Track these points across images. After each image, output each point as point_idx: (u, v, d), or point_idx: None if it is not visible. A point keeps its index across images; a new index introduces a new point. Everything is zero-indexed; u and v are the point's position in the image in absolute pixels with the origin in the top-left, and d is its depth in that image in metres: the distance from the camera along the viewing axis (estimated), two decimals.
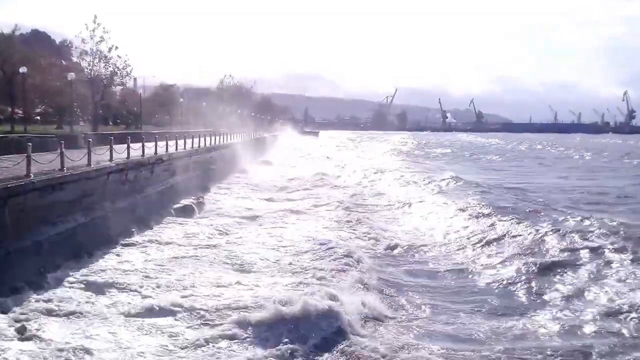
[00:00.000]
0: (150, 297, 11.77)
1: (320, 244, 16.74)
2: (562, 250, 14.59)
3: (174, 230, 19.35)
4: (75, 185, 15.06)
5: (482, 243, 16.80)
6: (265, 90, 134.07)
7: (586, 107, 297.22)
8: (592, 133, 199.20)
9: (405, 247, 17.28)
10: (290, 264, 14.92)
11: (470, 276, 14.00)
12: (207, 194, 28.11)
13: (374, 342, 9.49)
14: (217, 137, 40.61)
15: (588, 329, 10.01)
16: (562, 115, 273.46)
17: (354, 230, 19.86)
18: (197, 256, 15.46)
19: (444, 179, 31.67)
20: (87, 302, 11.36)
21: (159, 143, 25.33)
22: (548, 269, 13.38)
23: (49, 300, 11.28)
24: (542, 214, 19.06)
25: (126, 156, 19.97)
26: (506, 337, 9.96)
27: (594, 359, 8.89)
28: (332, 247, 16.21)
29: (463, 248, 16.75)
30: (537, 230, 16.54)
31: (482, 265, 14.79)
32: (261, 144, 64.69)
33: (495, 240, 16.82)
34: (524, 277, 13.12)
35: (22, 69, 31.17)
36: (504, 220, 18.35)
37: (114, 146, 19.02)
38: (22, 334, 9.51)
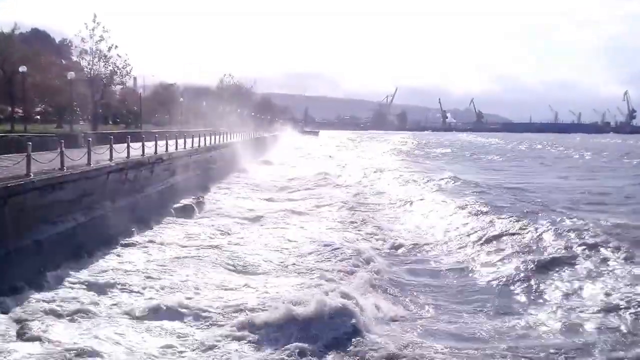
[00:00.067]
0: (155, 298, 11.71)
1: (325, 245, 16.69)
2: (559, 249, 14.71)
3: (175, 230, 19.32)
4: (75, 185, 15.04)
5: (481, 242, 16.87)
6: (265, 89, 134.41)
7: (586, 107, 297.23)
8: (592, 133, 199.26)
9: (408, 246, 17.31)
10: (294, 264, 14.87)
11: (471, 274, 14.14)
12: (207, 193, 28.10)
13: (386, 341, 9.46)
14: (217, 137, 40.59)
15: (588, 325, 10.11)
16: (562, 115, 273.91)
17: (358, 229, 19.79)
18: (199, 257, 15.36)
19: (442, 179, 31.71)
20: (88, 302, 11.32)
21: (158, 142, 25.31)
22: (546, 267, 13.53)
23: (49, 300, 11.23)
24: (541, 214, 19.12)
25: (126, 155, 19.94)
26: (509, 335, 10.04)
27: (596, 355, 8.96)
28: (338, 248, 16.18)
29: (464, 247, 16.80)
30: (535, 230, 16.66)
31: (482, 263, 14.89)
32: (261, 143, 64.68)
33: (494, 239, 16.86)
34: (523, 276, 13.23)
35: (22, 68, 31.16)
36: (503, 220, 18.39)
37: (114, 145, 18.99)
38: (23, 334, 9.47)
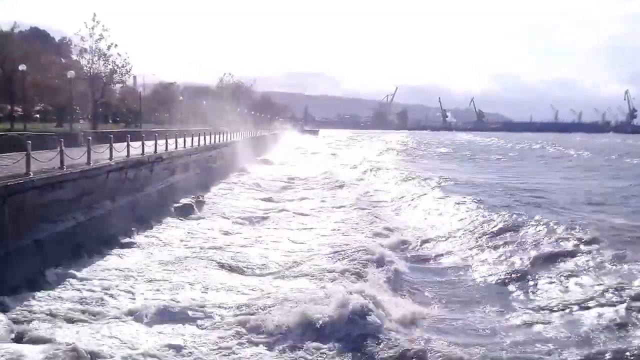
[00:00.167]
0: (158, 298, 11.61)
1: (332, 245, 16.73)
2: (556, 247, 14.88)
3: (175, 230, 19.32)
4: (75, 184, 15.02)
5: (481, 240, 16.94)
6: (265, 88, 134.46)
7: (587, 106, 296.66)
8: (593, 132, 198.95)
9: (413, 244, 17.46)
10: (300, 263, 14.76)
11: (473, 272, 14.32)
12: (207, 193, 28.09)
13: (403, 339, 9.44)
14: (217, 136, 40.56)
15: (587, 320, 10.31)
16: (563, 114, 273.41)
17: (364, 229, 19.71)
18: (201, 257, 15.27)
19: (441, 178, 31.70)
20: (89, 303, 11.28)
21: (158, 141, 25.30)
22: (544, 265, 13.76)
23: (49, 300, 11.22)
24: (540, 213, 19.12)
25: (126, 154, 19.93)
26: (513, 331, 10.22)
27: (593, 349, 9.12)
28: (346, 247, 16.19)
29: (464, 244, 16.90)
30: (533, 228, 16.83)
31: (483, 261, 15.05)
32: (261, 142, 64.66)
33: (493, 237, 16.94)
34: (523, 273, 13.46)
35: (22, 67, 31.14)
36: (503, 219, 18.47)
37: (113, 144, 18.98)
38: (22, 334, 9.44)
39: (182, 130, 34.54)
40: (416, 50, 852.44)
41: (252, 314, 10.61)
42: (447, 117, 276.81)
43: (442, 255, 16.27)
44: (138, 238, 17.41)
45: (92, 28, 39.43)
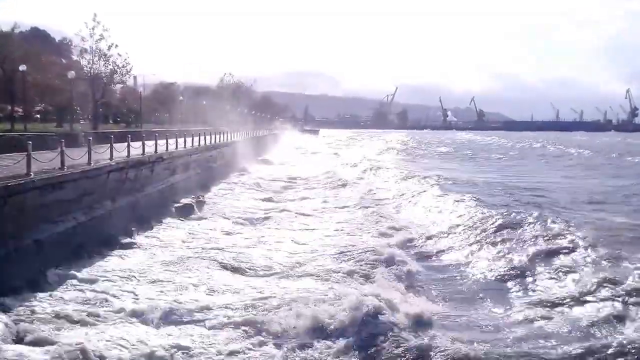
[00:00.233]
0: (163, 299, 11.56)
1: (336, 244, 16.75)
2: (554, 244, 15.03)
3: (175, 230, 19.32)
4: (76, 184, 15.02)
5: (481, 237, 17.01)
6: (265, 88, 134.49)
7: (588, 105, 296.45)
8: (594, 131, 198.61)
9: (416, 242, 17.55)
10: (300, 263, 14.73)
11: (473, 269, 14.45)
12: (207, 193, 28.10)
13: (419, 337, 9.47)
14: (217, 136, 40.56)
15: (586, 315, 10.52)
16: (564, 113, 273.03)
17: (366, 227, 19.71)
18: (202, 257, 15.21)
19: (441, 177, 31.73)
20: (90, 303, 11.26)
21: (159, 141, 25.31)
22: (542, 261, 13.96)
23: (49, 301, 11.20)
24: (539, 211, 19.14)
25: (126, 155, 19.94)
26: (515, 326, 10.35)
27: (594, 341, 9.28)
28: (352, 248, 16.19)
29: (465, 241, 16.95)
30: (532, 225, 16.97)
31: (483, 257, 15.17)
32: (262, 142, 64.68)
33: (492, 234, 17.02)
34: (522, 269, 13.66)
35: (22, 67, 31.15)
36: (501, 217, 18.49)
37: (114, 145, 18.99)
38: (23, 335, 9.41)
39: (183, 130, 34.53)
40: (416, 50, 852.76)
41: (259, 315, 10.58)
42: (447, 116, 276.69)
43: (443, 251, 16.34)
44: (139, 238, 17.41)
45: (93, 28, 39.44)
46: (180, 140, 28.58)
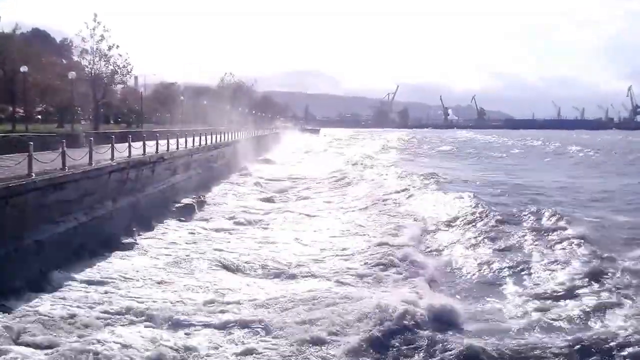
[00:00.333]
0: (167, 300, 11.51)
1: (342, 244, 16.84)
2: (548, 240, 15.50)
3: (176, 230, 19.33)
4: (77, 185, 15.05)
5: (481, 233, 17.17)
6: (265, 88, 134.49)
7: (590, 103, 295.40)
8: (595, 129, 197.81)
9: (424, 238, 17.70)
10: (304, 264, 14.68)
11: (475, 264, 14.55)
12: (208, 193, 28.13)
13: (449, 337, 9.55)
14: (218, 136, 40.58)
15: (583, 306, 10.89)
16: (565, 111, 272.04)
17: (374, 226, 19.73)
18: (204, 258, 15.18)
19: (441, 176, 31.83)
20: (91, 304, 11.21)
21: (160, 141, 25.33)
22: (537, 257, 14.33)
23: (52, 302, 11.17)
24: (536, 210, 19.30)
25: (127, 155, 19.97)
26: (519, 318, 10.60)
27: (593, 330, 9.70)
28: (358, 246, 16.30)
29: (468, 237, 17.14)
30: (530, 223, 17.43)
31: (484, 253, 15.34)
32: (262, 142, 64.71)
33: (492, 231, 17.20)
34: (519, 264, 13.97)
35: (23, 68, 31.17)
36: (500, 215, 18.79)
37: (115, 145, 19.02)
38: (24, 336, 9.37)
39: (183, 130, 34.55)
40: (417, 49, 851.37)
41: (271, 315, 10.57)
42: (448, 114, 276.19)
43: (447, 247, 16.49)
44: (140, 238, 17.42)
45: (93, 29, 39.42)
46: (181, 140, 28.60)
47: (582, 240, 14.68)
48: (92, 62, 40.40)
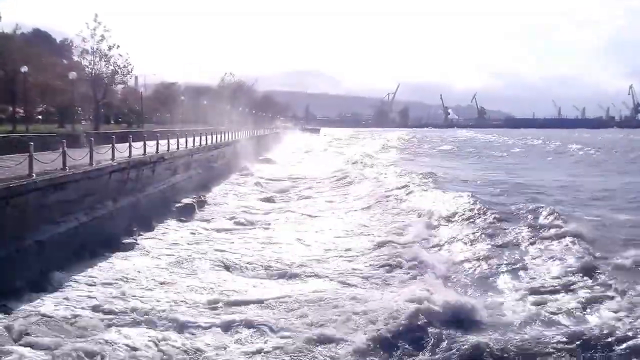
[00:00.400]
0: (169, 300, 11.51)
1: (346, 244, 16.85)
2: (544, 237, 15.60)
3: (177, 230, 19.35)
4: (77, 185, 15.06)
5: (481, 232, 17.12)
6: (266, 87, 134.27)
7: (591, 102, 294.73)
8: (596, 128, 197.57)
9: (427, 235, 17.65)
10: (306, 264, 14.64)
11: (479, 261, 14.62)
12: (208, 192, 28.14)
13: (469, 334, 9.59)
14: (219, 135, 40.59)
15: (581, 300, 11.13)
16: (566, 110, 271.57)
17: (377, 225, 19.74)
18: (205, 258, 15.18)
19: (442, 175, 31.84)
20: (92, 304, 11.21)
21: (160, 141, 25.35)
22: (533, 253, 14.59)
23: (53, 302, 11.18)
24: (535, 208, 19.36)
25: (128, 155, 20.00)
26: (519, 314, 10.68)
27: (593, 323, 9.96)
28: (362, 245, 16.32)
29: (467, 234, 17.14)
30: (529, 221, 17.47)
31: (484, 251, 15.34)
32: (263, 141, 64.71)
33: (492, 228, 17.24)
34: (517, 260, 14.11)
35: (24, 68, 31.21)
36: (498, 213, 18.84)
37: (116, 145, 19.04)
38: (25, 336, 9.39)
39: (184, 130, 34.57)
40: (416, 49, 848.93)
41: (277, 315, 10.57)
42: (449, 114, 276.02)
43: (449, 243, 16.55)
44: (140, 238, 17.44)
45: (94, 29, 39.44)
46: (182, 140, 28.61)
47: (578, 238, 14.84)
48: (92, 62, 40.43)
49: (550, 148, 72.53)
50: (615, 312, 10.13)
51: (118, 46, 40.74)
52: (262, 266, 14.51)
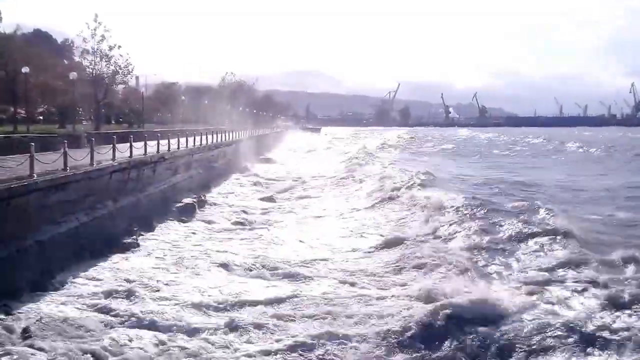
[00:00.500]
0: (172, 300, 11.51)
1: (350, 243, 16.98)
2: (536, 234, 15.82)
3: (177, 230, 19.35)
4: (78, 185, 15.09)
5: (483, 230, 17.14)
6: (267, 87, 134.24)
7: (592, 100, 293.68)
8: (598, 126, 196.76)
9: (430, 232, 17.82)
10: (309, 265, 14.67)
11: (480, 258, 14.74)
12: (209, 192, 28.16)
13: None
14: (219, 135, 40.62)
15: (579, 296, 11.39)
16: (567, 108, 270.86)
17: (382, 223, 19.86)
18: (205, 258, 15.17)
19: (447, 174, 31.85)
20: (93, 305, 11.22)
21: (161, 141, 25.37)
22: (533, 250, 14.83)
23: (53, 302, 11.20)
24: (534, 207, 19.43)
25: (129, 155, 20.03)
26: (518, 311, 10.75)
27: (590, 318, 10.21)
28: (366, 244, 16.49)
29: (468, 232, 17.20)
30: (528, 219, 17.52)
31: (485, 248, 15.49)
32: (263, 141, 64.73)
33: (491, 227, 17.33)
34: (509, 255, 14.54)
35: (25, 69, 31.25)
36: (496, 211, 19.03)
37: (116, 145, 19.08)
38: (26, 336, 9.41)
39: (184, 130, 34.60)
40: (418, 48, 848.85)
41: (284, 315, 10.59)
42: (449, 112, 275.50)
43: (450, 239, 16.71)
44: (141, 238, 17.43)
45: (94, 29, 39.49)
46: (182, 140, 28.64)
47: (568, 234, 15.19)
48: (93, 62, 40.50)
49: (551, 146, 72.49)
50: (600, 303, 10.54)
51: (119, 46, 40.84)
52: (264, 266, 14.47)
